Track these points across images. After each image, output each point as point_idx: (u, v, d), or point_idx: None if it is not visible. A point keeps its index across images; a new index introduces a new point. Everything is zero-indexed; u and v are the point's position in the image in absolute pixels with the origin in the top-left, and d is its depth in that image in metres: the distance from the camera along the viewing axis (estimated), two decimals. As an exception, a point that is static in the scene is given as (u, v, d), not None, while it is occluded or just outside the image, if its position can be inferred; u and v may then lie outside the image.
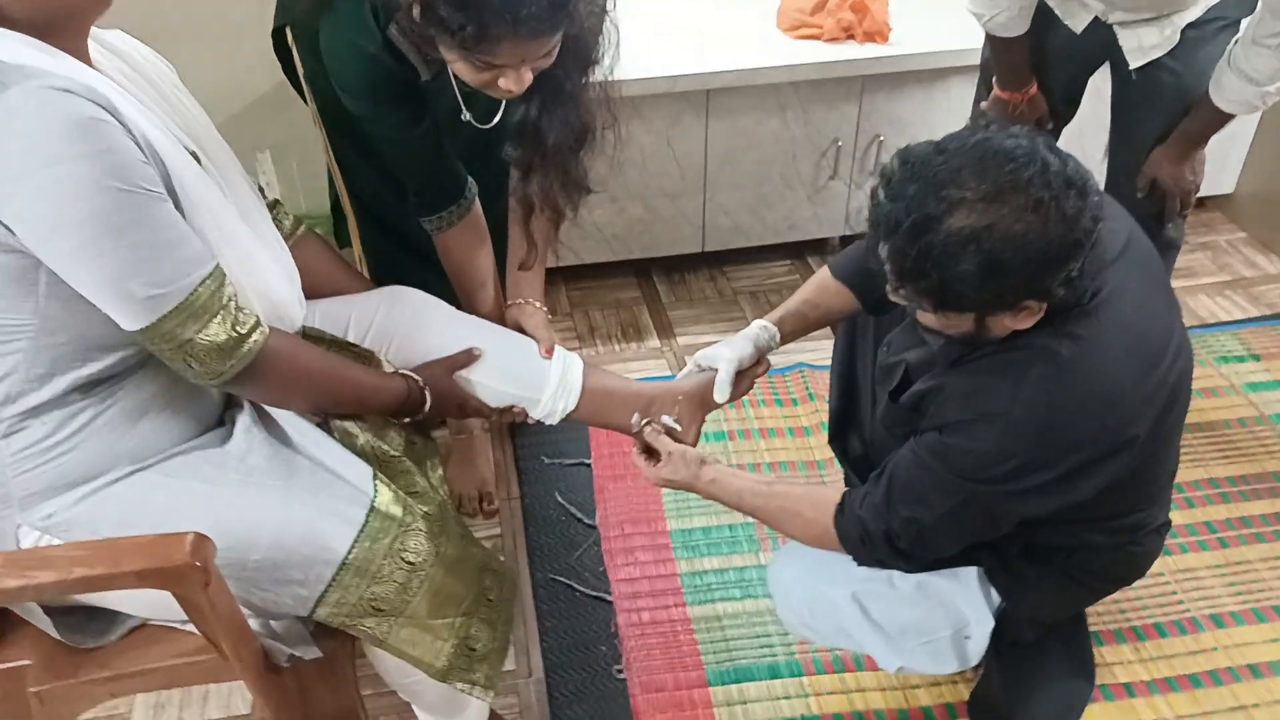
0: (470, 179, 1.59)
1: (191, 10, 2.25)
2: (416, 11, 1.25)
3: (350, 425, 1.33)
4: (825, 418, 2.10)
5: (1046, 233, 1.03)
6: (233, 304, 1.10)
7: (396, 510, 1.21)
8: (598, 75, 1.43)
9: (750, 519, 1.91)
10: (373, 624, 1.20)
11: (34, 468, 1.12)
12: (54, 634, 1.20)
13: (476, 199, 1.60)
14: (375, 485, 1.23)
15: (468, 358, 1.42)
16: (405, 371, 1.37)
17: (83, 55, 1.06)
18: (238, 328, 1.10)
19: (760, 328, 1.56)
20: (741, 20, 2.48)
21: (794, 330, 1.58)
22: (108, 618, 1.23)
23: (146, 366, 1.14)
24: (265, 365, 1.14)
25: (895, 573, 1.39)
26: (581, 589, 1.82)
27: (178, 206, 1.06)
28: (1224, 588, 1.80)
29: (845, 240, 2.72)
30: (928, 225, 1.04)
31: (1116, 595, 1.63)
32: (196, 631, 1.20)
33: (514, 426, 2.15)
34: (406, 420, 1.38)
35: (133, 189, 0.99)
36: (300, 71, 1.68)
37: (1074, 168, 1.07)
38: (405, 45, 1.38)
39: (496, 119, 1.48)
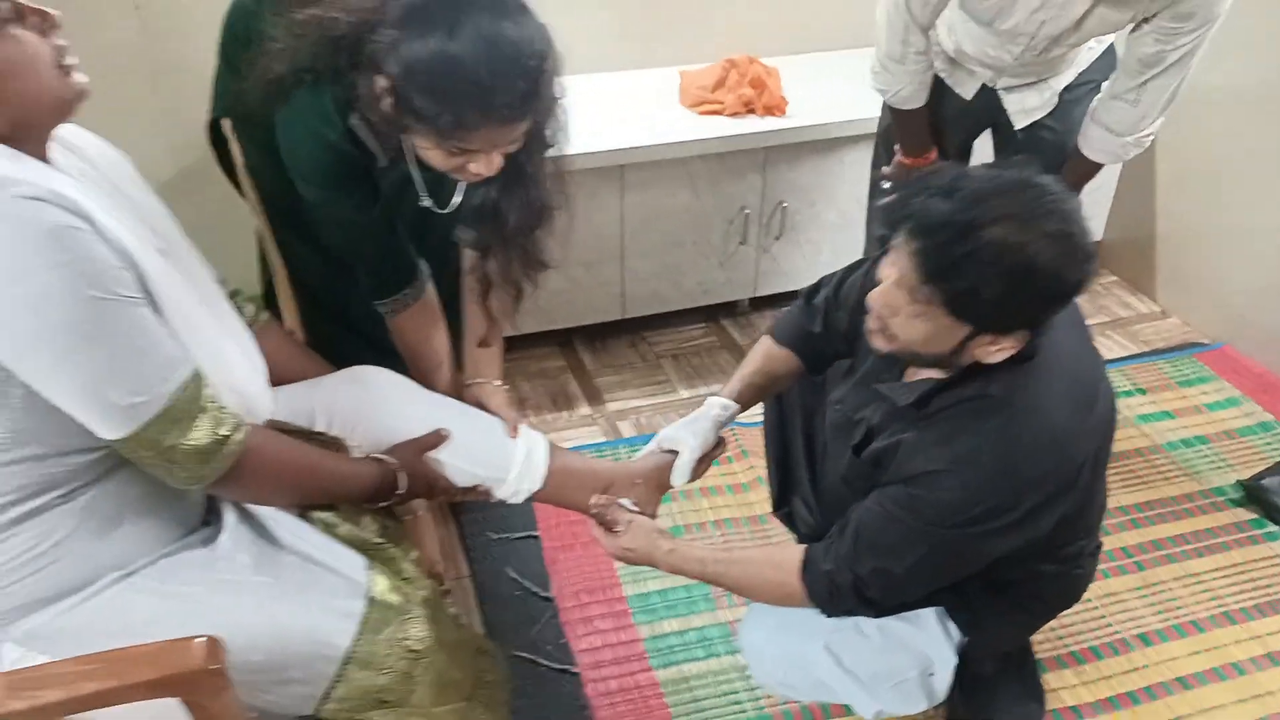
0: (422, 261, 1.61)
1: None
2: (389, 104, 1.28)
3: (328, 515, 1.32)
4: (761, 473, 2.19)
5: (1067, 264, 1.12)
6: (212, 405, 1.09)
7: (395, 599, 1.22)
8: (552, 155, 1.49)
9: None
10: (379, 716, 1.19)
11: (14, 581, 1.09)
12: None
13: (429, 280, 1.62)
14: (370, 575, 1.22)
15: (437, 439, 1.44)
16: (379, 455, 1.37)
17: (42, 155, 1.05)
18: (219, 429, 1.09)
19: (720, 406, 1.59)
20: (647, 99, 2.58)
21: (750, 401, 1.64)
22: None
23: (124, 469, 1.12)
24: (247, 464, 1.13)
25: (862, 620, 1.45)
26: (546, 663, 1.82)
27: (153, 307, 1.05)
28: (1146, 608, 1.94)
29: (754, 302, 2.83)
30: (973, 228, 1.11)
31: (1054, 624, 1.73)
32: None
33: (454, 504, 2.15)
34: (380, 505, 1.38)
35: (108, 296, 0.98)
36: (240, 162, 1.68)
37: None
38: (365, 134, 1.41)
39: (456, 201, 1.51)
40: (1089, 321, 1.41)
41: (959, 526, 1.27)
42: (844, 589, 1.36)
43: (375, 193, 1.48)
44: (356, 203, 1.46)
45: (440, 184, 1.49)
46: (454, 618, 1.32)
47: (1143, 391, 2.51)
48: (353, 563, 1.24)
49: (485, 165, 1.32)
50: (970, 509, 1.25)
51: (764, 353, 1.65)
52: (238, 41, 1.58)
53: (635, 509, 1.53)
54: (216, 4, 1.62)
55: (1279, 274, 2.51)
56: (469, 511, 2.14)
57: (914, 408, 1.30)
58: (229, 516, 1.23)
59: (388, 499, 1.37)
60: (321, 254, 1.70)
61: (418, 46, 1.23)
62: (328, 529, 1.31)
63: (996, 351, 1.20)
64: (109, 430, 1.03)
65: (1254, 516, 2.14)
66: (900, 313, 1.20)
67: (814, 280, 1.66)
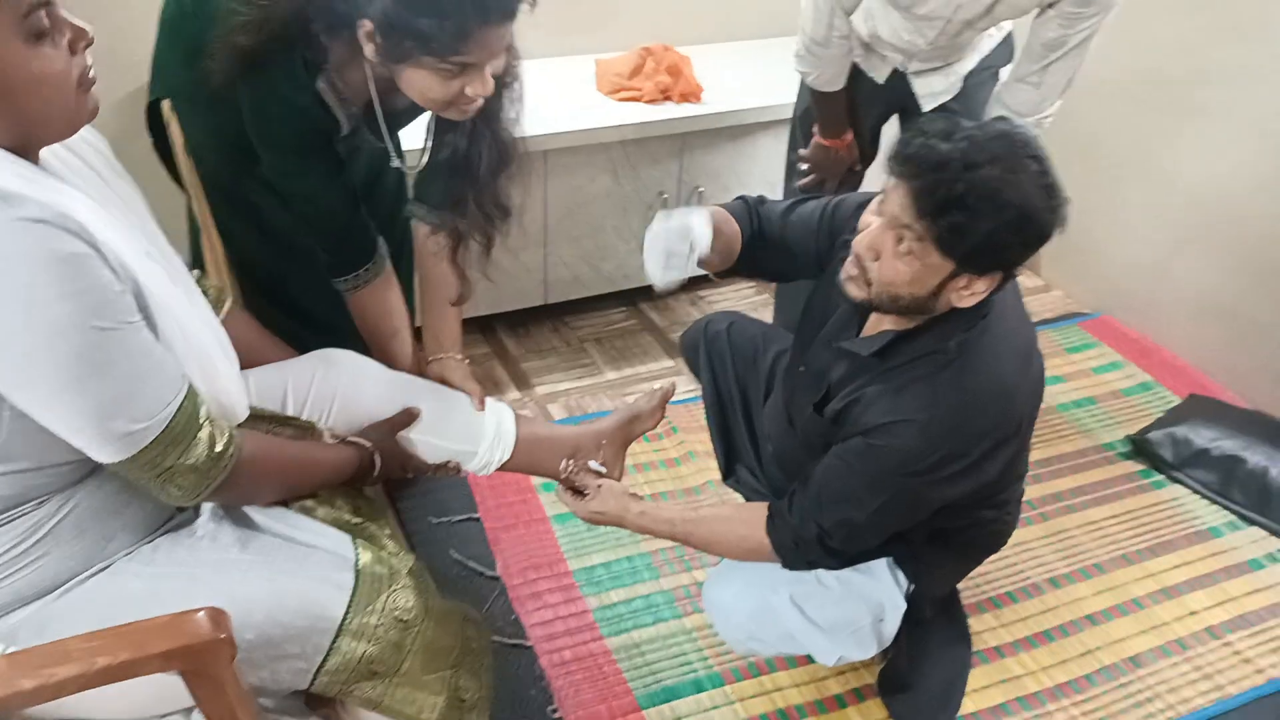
0: (380, 238, 1.62)
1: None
2: (376, 47, 1.30)
3: (305, 500, 1.33)
4: (692, 448, 2.27)
5: (1047, 206, 1.21)
6: (207, 421, 1.09)
7: (382, 570, 1.23)
8: (507, 101, 1.53)
9: (646, 550, 2.03)
10: (369, 687, 1.21)
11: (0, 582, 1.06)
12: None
13: (388, 257, 1.63)
14: (355, 549, 1.24)
15: (408, 417, 1.45)
16: (355, 439, 1.38)
17: (36, 158, 1.02)
18: (215, 446, 1.09)
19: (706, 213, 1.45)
20: (564, 86, 2.61)
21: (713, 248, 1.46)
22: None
23: (103, 468, 1.11)
24: (240, 473, 1.13)
25: (822, 572, 1.54)
26: (500, 639, 1.85)
27: (148, 323, 1.04)
28: (1053, 554, 2.10)
29: (670, 285, 2.90)
30: (970, 167, 1.18)
31: (974, 573, 1.86)
32: (180, 723, 1.17)
33: (391, 491, 2.15)
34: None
35: (112, 326, 0.97)
36: (180, 144, 1.65)
37: None
38: (331, 98, 1.42)
39: (423, 161, 1.55)
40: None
41: (917, 474, 1.36)
42: (809, 541, 1.44)
43: (340, 165, 1.49)
44: (324, 171, 1.48)
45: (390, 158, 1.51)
46: (439, 588, 1.34)
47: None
48: (337, 539, 1.25)
49: (481, 85, 1.35)
50: (927, 457, 1.35)
51: (721, 213, 1.55)
52: (185, 17, 1.55)
53: (603, 469, 1.58)
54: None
55: (1151, 248, 2.73)
56: (406, 499, 2.14)
57: (876, 358, 1.38)
58: (206, 504, 1.22)
59: (365, 481, 1.38)
60: (263, 236, 1.70)
61: None
62: (305, 512, 1.31)
63: (969, 295, 1.28)
64: (107, 455, 1.02)
65: (1142, 467, 2.34)
66: (885, 254, 1.27)
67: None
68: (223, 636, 1.00)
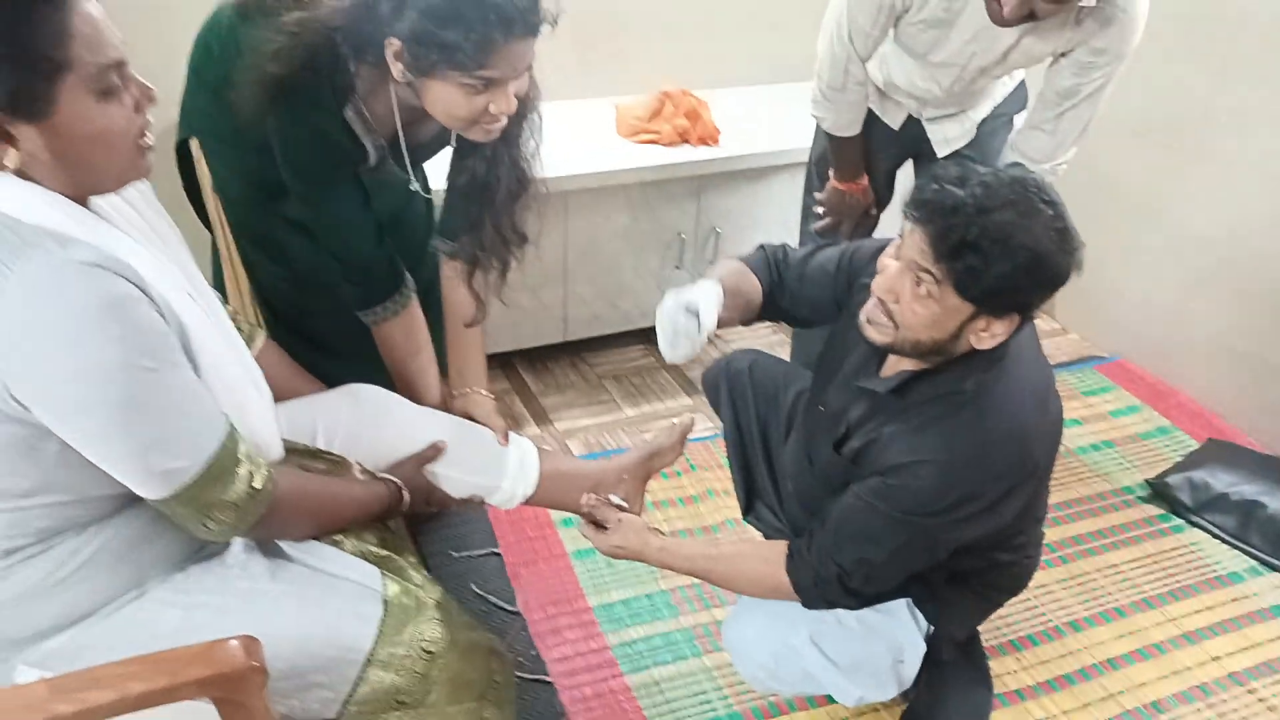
0: (407, 273, 1.65)
1: None
2: (404, 65, 1.35)
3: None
4: (711, 485, 2.28)
5: (1061, 251, 1.24)
6: (246, 459, 1.11)
7: (409, 601, 1.25)
8: (527, 130, 1.57)
9: (665, 587, 2.04)
10: (396, 718, 1.21)
11: (33, 607, 1.09)
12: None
13: (414, 292, 1.66)
14: (383, 581, 1.25)
15: (434, 451, 1.47)
16: (384, 475, 1.40)
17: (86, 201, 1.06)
18: (254, 482, 1.12)
19: (715, 284, 1.50)
20: (584, 129, 2.66)
21: (728, 301, 1.51)
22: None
23: (139, 499, 1.13)
24: (277, 510, 1.16)
25: (841, 612, 1.55)
26: (520, 674, 1.84)
27: (191, 362, 1.07)
28: (1073, 598, 2.09)
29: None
30: (984, 211, 1.21)
31: (995, 615, 1.85)
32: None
33: (412, 525, 2.16)
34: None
35: (159, 366, 1.01)
36: (208, 182, 1.69)
37: None
38: (359, 126, 1.46)
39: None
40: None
41: (934, 514, 1.37)
42: (828, 580, 1.44)
43: (366, 196, 1.53)
44: (350, 202, 1.51)
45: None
46: (467, 620, 1.35)
47: (1053, 401, 2.70)
48: (365, 570, 1.27)
49: (505, 102, 1.38)
50: (944, 497, 1.36)
51: (738, 270, 1.60)
52: (213, 60, 1.60)
53: (625, 504, 1.59)
54: (184, 25, 1.64)
55: (1167, 291, 2.75)
56: (426, 533, 2.15)
57: (894, 396, 1.40)
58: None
59: (392, 516, 1.40)
60: (289, 271, 1.73)
61: None
62: (333, 544, 1.33)
63: (988, 337, 1.30)
64: (150, 491, 1.05)
65: (1161, 511, 2.33)
66: (904, 297, 1.30)
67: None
68: (255, 665, 1.01)
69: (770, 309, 1.63)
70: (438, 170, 1.73)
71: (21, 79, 0.94)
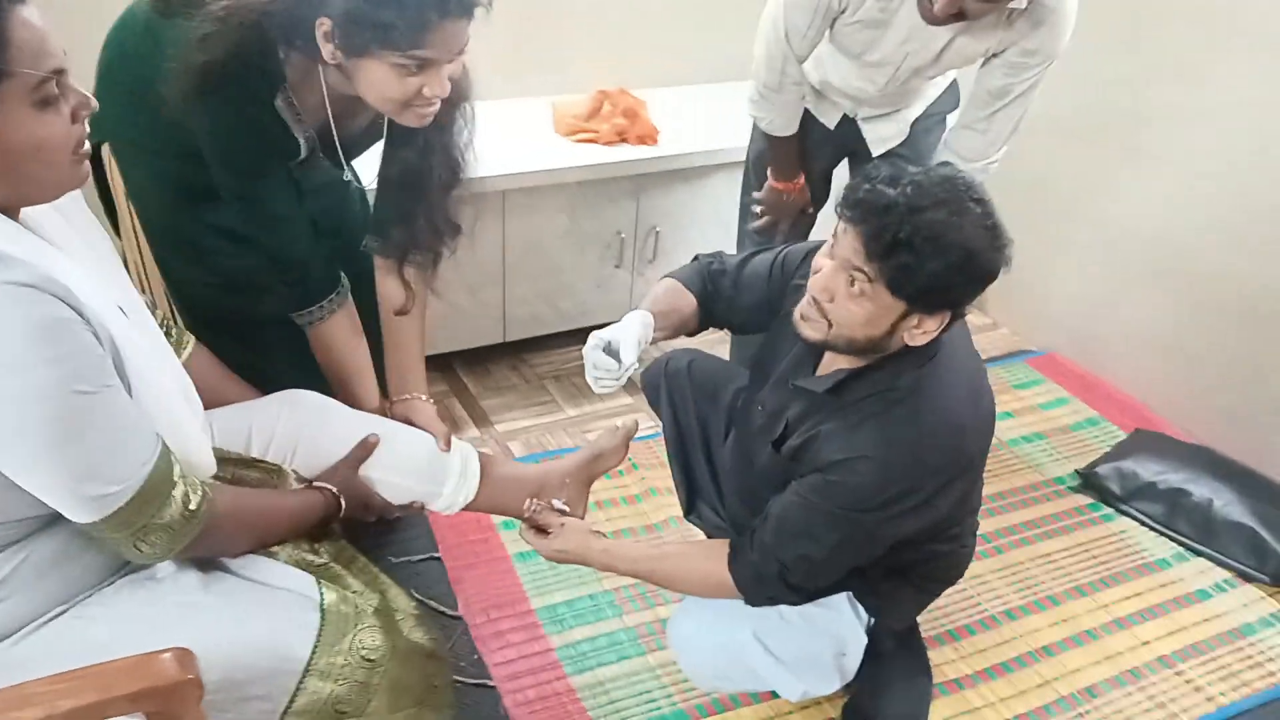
0: (341, 272, 1.63)
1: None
2: (335, 45, 1.32)
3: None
4: (653, 484, 2.29)
5: (991, 248, 1.26)
6: (181, 479, 1.09)
7: (347, 609, 1.23)
8: (460, 119, 1.56)
9: (608, 587, 2.03)
10: (336, 728, 1.19)
11: None
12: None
13: (349, 291, 1.63)
14: (320, 589, 1.23)
15: (365, 449, 1.45)
16: (319, 484, 1.38)
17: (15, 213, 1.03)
18: (189, 504, 1.09)
19: (643, 314, 1.55)
20: (521, 128, 2.65)
21: (662, 323, 1.59)
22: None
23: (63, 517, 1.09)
24: (212, 529, 1.13)
25: (784, 608, 1.56)
26: (462, 680, 1.83)
27: (123, 381, 1.04)
28: (1008, 587, 2.14)
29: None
30: (915, 211, 1.22)
31: (932, 606, 1.88)
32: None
33: (351, 533, 2.13)
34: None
35: (93, 390, 0.98)
36: (120, 189, 1.64)
37: None
38: (289, 115, 1.44)
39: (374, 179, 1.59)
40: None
41: (873, 510, 1.39)
42: (769, 577, 1.45)
43: (296, 190, 1.50)
44: (282, 197, 1.48)
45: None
46: (406, 626, 1.34)
47: (986, 395, 2.75)
48: (301, 580, 1.25)
49: (438, 85, 1.36)
50: (883, 492, 1.37)
51: (672, 288, 1.65)
52: (127, 60, 1.56)
53: (566, 509, 1.59)
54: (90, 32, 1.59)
55: (1096, 286, 2.82)
56: (366, 538, 2.12)
57: (831, 395, 1.41)
58: None
59: (331, 524, 1.38)
60: (213, 276, 1.69)
61: None
62: (268, 555, 1.30)
63: (920, 334, 1.32)
64: (80, 516, 1.02)
65: (1091, 500, 2.39)
66: (838, 296, 1.31)
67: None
68: (190, 678, 0.99)
69: (707, 320, 1.67)
70: (369, 167, 1.70)
71: None
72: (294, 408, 1.46)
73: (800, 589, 1.49)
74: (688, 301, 1.64)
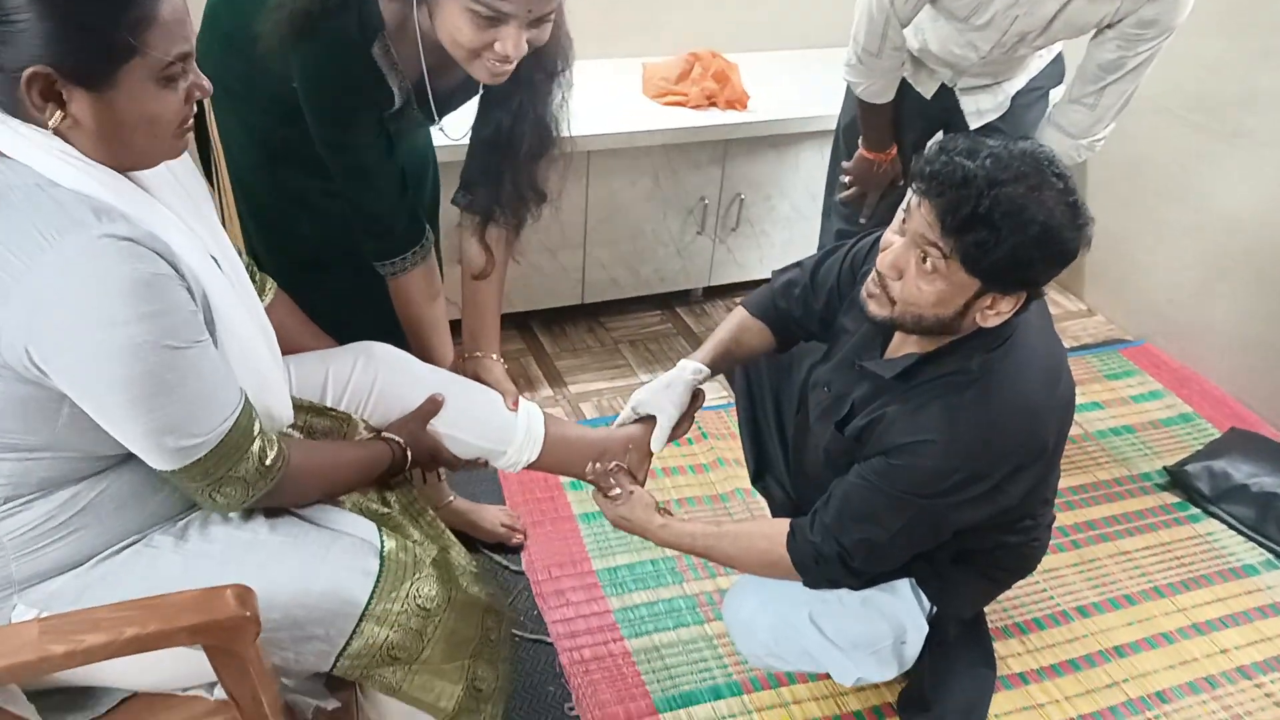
0: (428, 226, 1.63)
1: None
2: None
3: (337, 494, 1.34)
4: (721, 454, 2.27)
5: (1070, 226, 1.20)
6: (259, 435, 1.11)
7: (406, 558, 1.24)
8: (557, 89, 1.54)
9: (670, 554, 2.03)
10: (389, 672, 1.21)
11: (34, 549, 1.09)
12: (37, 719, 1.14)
13: (433, 247, 1.64)
14: (381, 536, 1.25)
15: (433, 405, 1.46)
16: (387, 435, 1.39)
17: None
18: (265, 459, 1.12)
19: (693, 370, 1.64)
20: (609, 89, 2.62)
21: (720, 367, 1.69)
22: (89, 695, 1.18)
23: None
24: (285, 483, 1.16)
25: (844, 591, 1.53)
26: (520, 634, 1.85)
27: (211, 333, 1.07)
28: (1083, 582, 2.07)
29: (707, 291, 2.91)
30: (994, 184, 1.17)
31: (1002, 597, 1.84)
32: (201, 695, 1.19)
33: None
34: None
35: (185, 345, 1.00)
36: (216, 136, 1.67)
37: None
38: (385, 64, 1.44)
39: (465, 133, 1.59)
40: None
41: (938, 495, 1.35)
42: (830, 558, 1.43)
43: (390, 143, 1.51)
44: (373, 146, 1.49)
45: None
46: (468, 578, 1.35)
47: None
48: (364, 526, 1.26)
49: (511, 43, 1.33)
50: (949, 477, 1.33)
51: (738, 323, 1.71)
52: (229, 6, 1.57)
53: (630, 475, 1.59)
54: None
55: (1194, 274, 2.69)
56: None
57: (899, 380, 1.37)
58: None
59: (398, 475, 1.40)
60: (312, 219, 1.70)
61: None
62: (334, 502, 1.33)
63: (994, 315, 1.27)
64: (160, 464, 1.06)
65: (1178, 500, 2.30)
66: (908, 273, 1.27)
67: (764, 273, 1.72)
68: (248, 614, 1.01)
69: (785, 341, 1.71)
70: (461, 122, 1.70)
71: (93, 53, 0.94)
72: (370, 359, 1.47)
73: (860, 573, 1.46)
74: (755, 334, 1.69)
